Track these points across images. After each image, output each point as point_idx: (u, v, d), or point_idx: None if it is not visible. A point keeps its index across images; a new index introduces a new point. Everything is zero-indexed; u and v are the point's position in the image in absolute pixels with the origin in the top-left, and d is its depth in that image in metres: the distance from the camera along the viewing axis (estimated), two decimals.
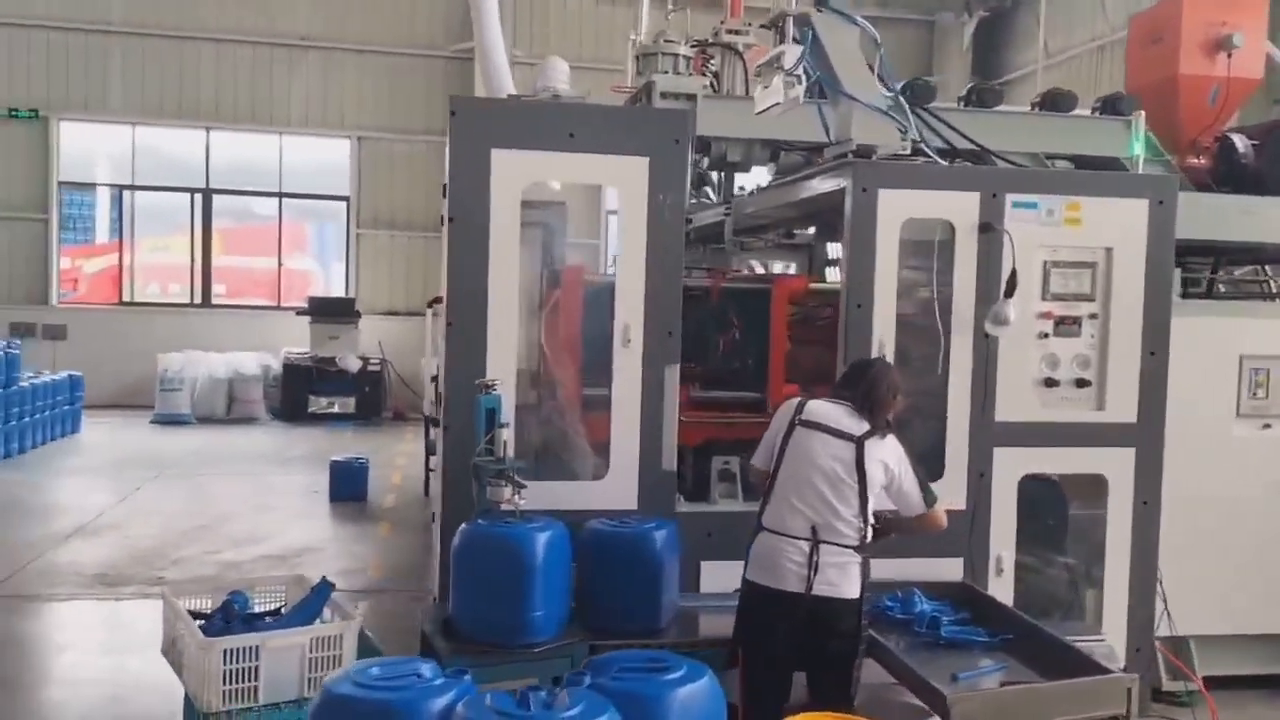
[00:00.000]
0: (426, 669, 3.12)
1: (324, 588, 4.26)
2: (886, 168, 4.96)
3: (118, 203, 18.45)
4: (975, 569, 5.08)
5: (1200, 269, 7.23)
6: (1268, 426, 5.93)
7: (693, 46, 6.97)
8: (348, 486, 10.57)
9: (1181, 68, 6.98)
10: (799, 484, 3.97)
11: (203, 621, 4.16)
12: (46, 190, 17.77)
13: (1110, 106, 7.33)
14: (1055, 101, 7.38)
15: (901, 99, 5.24)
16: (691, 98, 6.71)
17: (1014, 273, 4.85)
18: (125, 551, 8.48)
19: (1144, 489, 5.25)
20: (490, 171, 4.63)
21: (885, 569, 4.89)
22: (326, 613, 4.31)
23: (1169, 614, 5.52)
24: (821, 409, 4.07)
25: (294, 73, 18.04)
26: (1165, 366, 5.27)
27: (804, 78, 4.62)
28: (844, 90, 4.85)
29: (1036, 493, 5.55)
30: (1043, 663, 4.18)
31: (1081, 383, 5.17)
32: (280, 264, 18.79)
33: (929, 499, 4.09)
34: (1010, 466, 5.14)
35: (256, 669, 3.80)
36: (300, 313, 17.03)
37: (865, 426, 3.99)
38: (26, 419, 13.18)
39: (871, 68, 5.20)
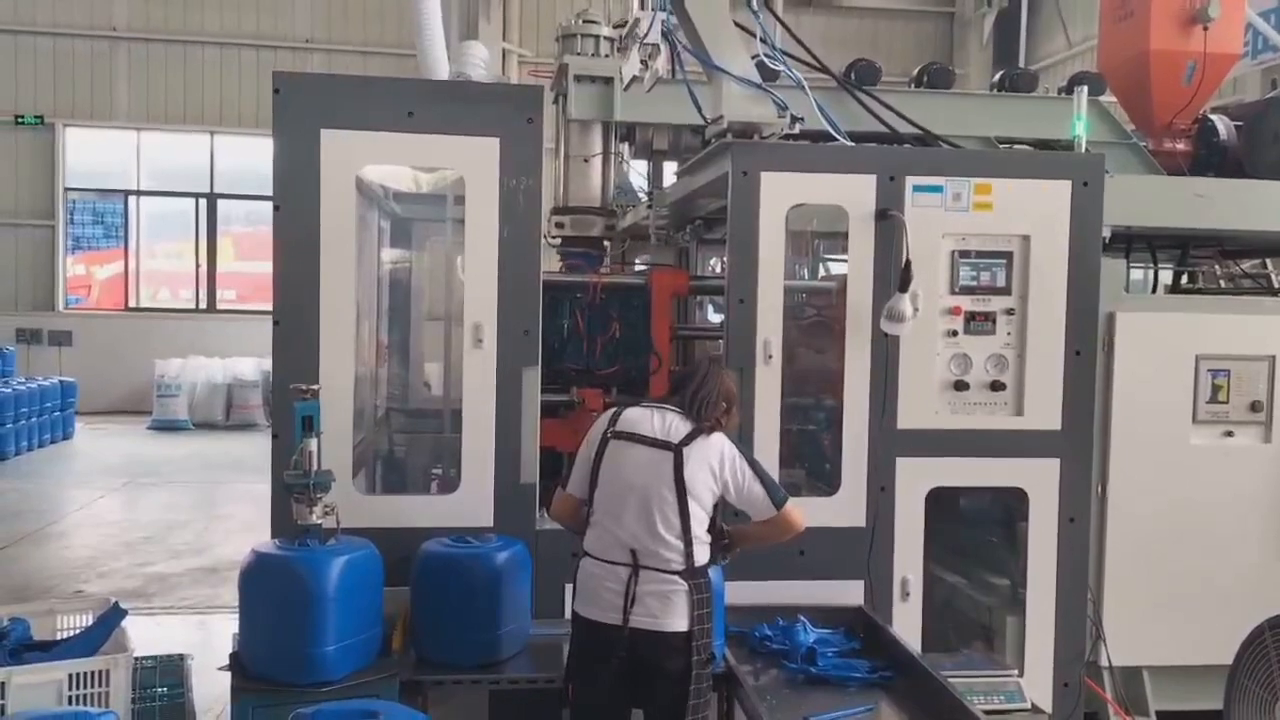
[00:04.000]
0: None
1: (114, 615, 3.84)
2: (769, 149, 4.44)
3: (124, 209, 18.42)
4: (876, 593, 4.56)
5: (1201, 260, 6.65)
6: (1230, 434, 5.33)
7: (615, 27, 6.52)
8: None
9: (1153, 43, 6.36)
10: (614, 504, 3.46)
11: None
12: (53, 197, 17.78)
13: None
14: (1014, 83, 6.84)
15: (797, 75, 4.74)
16: (609, 81, 6.29)
17: (908, 264, 4.31)
18: (57, 562, 8.23)
19: (1070, 504, 4.67)
20: (320, 154, 4.21)
21: (782, 592, 4.46)
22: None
23: (1105, 643, 4.96)
24: (636, 417, 3.55)
25: None
26: (1093, 368, 4.70)
27: (661, 49, 4.14)
28: (713, 63, 4.36)
29: (978, 503, 5.05)
30: (919, 705, 3.70)
31: (997, 386, 4.61)
32: None
33: (777, 498, 3.52)
34: (915, 479, 4.57)
35: (3, 707, 3.40)
36: None
37: (687, 430, 3.48)
38: (10, 425, 13.08)
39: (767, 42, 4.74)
